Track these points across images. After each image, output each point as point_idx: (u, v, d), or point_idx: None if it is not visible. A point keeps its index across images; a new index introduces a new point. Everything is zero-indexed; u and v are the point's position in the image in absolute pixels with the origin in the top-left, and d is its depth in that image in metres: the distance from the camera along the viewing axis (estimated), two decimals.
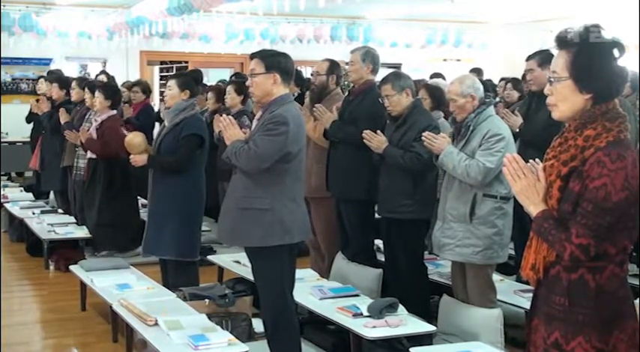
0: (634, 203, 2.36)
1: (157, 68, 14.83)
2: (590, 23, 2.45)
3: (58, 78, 8.87)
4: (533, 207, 2.50)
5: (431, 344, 4.49)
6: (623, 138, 2.40)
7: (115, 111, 7.27)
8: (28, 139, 10.20)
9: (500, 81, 9.09)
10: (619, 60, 2.44)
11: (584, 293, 2.40)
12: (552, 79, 2.50)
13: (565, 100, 2.47)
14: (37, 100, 9.12)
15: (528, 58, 5.58)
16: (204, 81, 10.44)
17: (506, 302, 4.93)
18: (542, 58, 5.35)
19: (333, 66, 5.97)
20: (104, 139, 6.99)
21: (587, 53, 2.42)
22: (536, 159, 2.61)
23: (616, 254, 2.40)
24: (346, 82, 6.60)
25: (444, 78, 8.94)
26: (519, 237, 5.33)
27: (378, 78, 5.65)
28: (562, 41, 2.48)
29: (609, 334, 2.40)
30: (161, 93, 12.38)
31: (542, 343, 2.50)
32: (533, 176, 2.52)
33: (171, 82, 5.46)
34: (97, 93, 7.11)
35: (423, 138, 4.73)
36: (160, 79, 14.55)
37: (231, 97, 7.33)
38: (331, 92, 5.95)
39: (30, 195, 9.52)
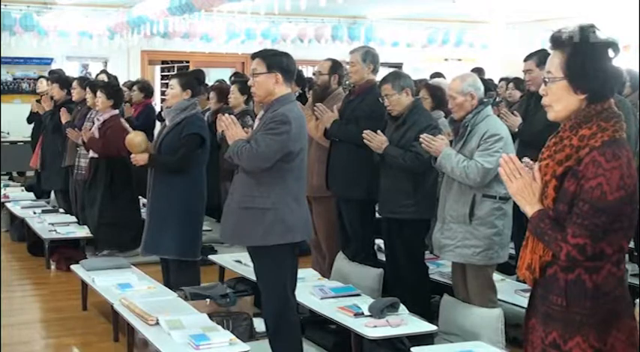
0: (630, 202, 2.35)
1: (158, 68, 14.84)
2: (585, 23, 2.45)
3: (58, 78, 8.88)
4: (529, 208, 2.50)
5: (432, 343, 4.50)
6: (619, 138, 2.40)
7: (117, 111, 7.27)
8: (29, 139, 10.21)
9: (500, 81, 9.08)
10: (615, 60, 2.44)
11: (582, 293, 2.41)
12: (547, 80, 2.50)
13: (560, 101, 2.47)
14: (38, 100, 9.13)
15: (526, 59, 5.54)
16: (205, 80, 10.45)
17: (506, 302, 4.94)
18: (540, 58, 5.29)
19: (336, 65, 5.97)
20: (106, 138, 7.00)
21: (582, 53, 2.42)
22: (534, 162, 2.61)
23: (612, 253, 2.40)
24: (347, 82, 6.60)
25: (444, 77, 8.93)
26: (519, 236, 5.32)
27: (379, 77, 5.66)
28: (557, 41, 2.48)
29: (607, 333, 2.40)
30: (162, 92, 12.38)
31: (539, 343, 2.50)
32: (529, 176, 2.52)
33: (173, 81, 5.46)
34: (99, 93, 7.11)
35: (420, 140, 4.72)
36: (161, 79, 14.56)
37: (235, 97, 7.33)
38: (333, 92, 5.94)
39: (31, 195, 9.51)
